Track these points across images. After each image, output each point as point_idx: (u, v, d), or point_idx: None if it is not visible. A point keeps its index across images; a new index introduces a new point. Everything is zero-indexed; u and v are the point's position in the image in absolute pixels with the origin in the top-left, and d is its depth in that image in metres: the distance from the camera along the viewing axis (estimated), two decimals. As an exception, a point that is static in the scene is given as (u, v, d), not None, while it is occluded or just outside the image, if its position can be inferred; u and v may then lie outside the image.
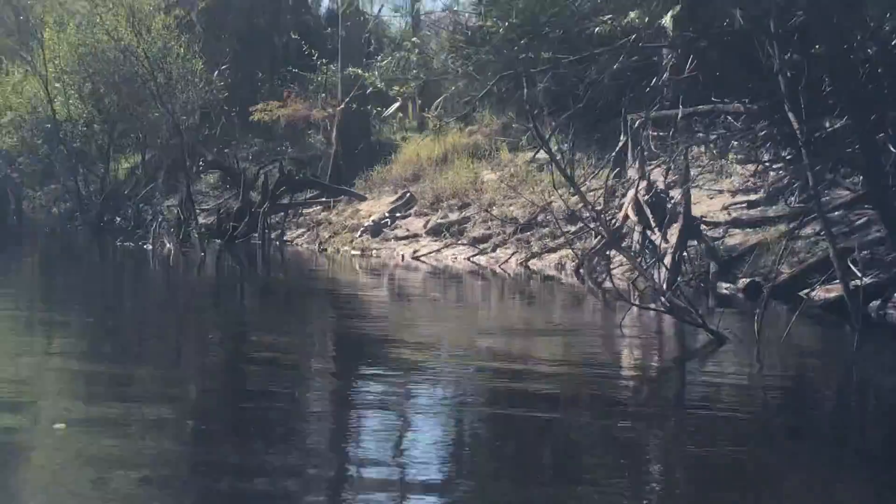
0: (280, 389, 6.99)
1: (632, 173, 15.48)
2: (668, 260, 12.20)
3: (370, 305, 12.19)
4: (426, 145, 23.17)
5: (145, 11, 23.26)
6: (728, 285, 12.12)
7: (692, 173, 16.29)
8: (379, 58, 25.26)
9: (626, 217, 14.28)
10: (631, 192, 14.77)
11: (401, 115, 25.61)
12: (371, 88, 25.87)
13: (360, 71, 21.23)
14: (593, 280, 11.48)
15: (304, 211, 23.92)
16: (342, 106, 23.89)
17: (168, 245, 18.88)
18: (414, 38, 21.14)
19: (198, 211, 27.58)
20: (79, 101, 28.18)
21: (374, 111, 25.88)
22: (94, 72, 26.87)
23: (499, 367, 7.81)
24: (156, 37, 22.84)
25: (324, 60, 30.53)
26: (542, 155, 19.61)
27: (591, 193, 16.77)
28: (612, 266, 12.79)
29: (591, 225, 13.61)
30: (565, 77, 16.34)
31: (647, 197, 14.66)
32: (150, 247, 19.00)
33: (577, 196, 16.59)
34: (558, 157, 18.60)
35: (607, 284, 13.04)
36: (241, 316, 11.62)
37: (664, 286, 9.48)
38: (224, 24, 35.59)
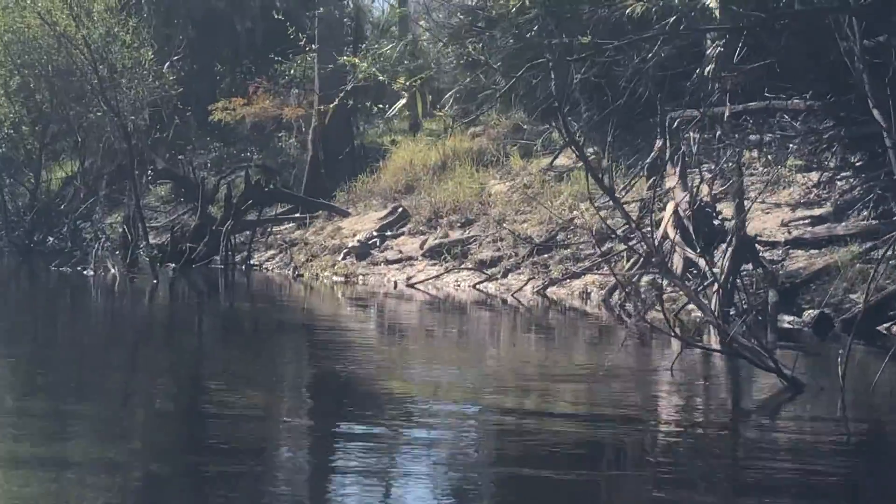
0: (239, 446, 6.77)
1: (671, 183, 15.31)
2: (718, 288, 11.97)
3: (353, 343, 11.95)
4: (421, 151, 23.01)
5: (84, -9, 23.11)
6: (791, 318, 11.92)
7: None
8: (373, 44, 25.06)
9: (665, 236, 14.08)
10: (670, 206, 14.58)
11: (407, 113, 25.40)
12: (363, 81, 25.92)
13: (355, 59, 21.08)
14: (637, 312, 11.22)
15: (275, 229, 23.75)
16: (330, 105, 23.53)
17: (112, 270, 18.65)
18: (422, 22, 21.02)
19: (147, 229, 27.46)
20: (3, 99, 27.96)
21: (367, 108, 25.66)
22: (22, 63, 26.72)
23: (511, 421, 7.61)
24: (97, 21, 22.63)
25: (301, 47, 30.52)
26: (560, 161, 19.52)
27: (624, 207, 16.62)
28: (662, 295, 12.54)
29: (631, 245, 13.37)
30: (605, 67, 16.25)
31: (689, 211, 14.49)
32: (92, 272, 18.74)
33: (607, 211, 16.49)
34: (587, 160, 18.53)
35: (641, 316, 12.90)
36: (197, 356, 11.37)
37: (722, 320, 9.24)
38: (176, 7, 35.52)
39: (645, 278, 14.06)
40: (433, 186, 20.66)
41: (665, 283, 13.74)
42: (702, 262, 13.52)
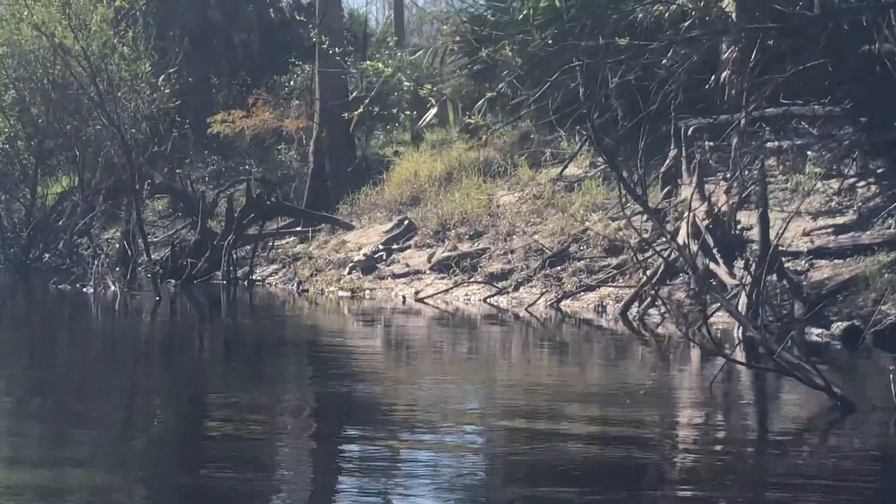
0: (238, 468, 6.47)
1: (687, 193, 14.96)
2: (743, 300, 11.61)
3: (359, 362, 11.54)
4: (425, 162, 22.66)
5: (81, 2, 22.69)
6: (820, 331, 11.54)
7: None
8: (375, 53, 24.61)
9: (685, 247, 13.70)
10: (687, 217, 14.23)
11: (435, 121, 25.05)
12: (364, 92, 25.60)
13: (379, 64, 20.74)
14: (682, 326, 10.77)
15: (276, 243, 23.39)
16: (354, 113, 23.03)
17: (112, 287, 18.24)
18: (445, 26, 20.73)
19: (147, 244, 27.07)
20: (-2, 113, 27.63)
21: (371, 118, 25.31)
22: (17, 77, 26.39)
23: (524, 444, 7.23)
24: (96, 32, 22.25)
25: (294, 60, 30.13)
26: (570, 171, 19.19)
27: (635, 219, 16.26)
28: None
29: (649, 256, 13.01)
30: (639, 71, 15.89)
31: (707, 222, 14.16)
32: (91, 289, 18.34)
33: (621, 221, 16.14)
34: (598, 167, 18.19)
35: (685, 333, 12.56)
36: (200, 378, 10.92)
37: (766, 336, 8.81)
38: (172, 20, 35.20)
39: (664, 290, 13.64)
40: (440, 198, 20.30)
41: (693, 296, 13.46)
42: (723, 274, 13.22)
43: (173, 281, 20.38)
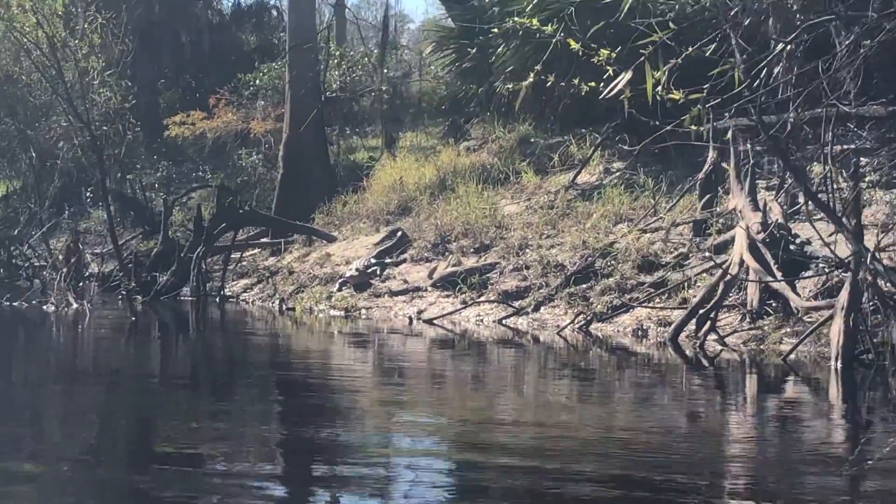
0: None
1: (736, 202, 13.52)
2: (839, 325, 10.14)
3: (341, 394, 9.85)
4: (411, 168, 21.08)
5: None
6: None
7: (800, 202, 14.48)
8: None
9: (743, 263, 12.25)
10: (740, 230, 12.78)
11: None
12: (336, 93, 23.99)
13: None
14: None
15: (242, 256, 21.69)
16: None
17: (75, 304, 16.37)
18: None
19: (90, 257, 25.20)
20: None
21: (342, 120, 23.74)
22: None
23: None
24: (57, 23, 20.22)
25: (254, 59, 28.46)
26: (582, 178, 17.74)
27: (662, 229, 14.82)
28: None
29: (726, 271, 11.49)
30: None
31: (763, 235, 12.71)
32: (53, 307, 16.44)
33: (652, 234, 14.67)
34: (625, 175, 16.66)
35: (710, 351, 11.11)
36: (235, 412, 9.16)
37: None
38: (118, 19, 33.48)
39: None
40: (434, 207, 18.72)
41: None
42: (791, 294, 11.77)
43: (139, 297, 18.59)
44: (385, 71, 24.87)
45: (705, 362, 11.27)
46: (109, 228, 19.59)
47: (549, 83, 17.48)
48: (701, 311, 12.04)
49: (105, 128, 21.89)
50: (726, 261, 12.57)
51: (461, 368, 11.50)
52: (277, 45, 36.80)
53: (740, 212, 13.34)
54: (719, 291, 12.06)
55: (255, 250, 22.46)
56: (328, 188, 23.38)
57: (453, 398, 9.60)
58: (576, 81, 10.42)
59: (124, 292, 17.36)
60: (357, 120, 27.01)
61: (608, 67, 8.84)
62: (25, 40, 19.13)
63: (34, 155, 24.70)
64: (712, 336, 11.96)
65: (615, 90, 9.22)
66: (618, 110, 17.84)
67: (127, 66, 27.61)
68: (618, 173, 17.61)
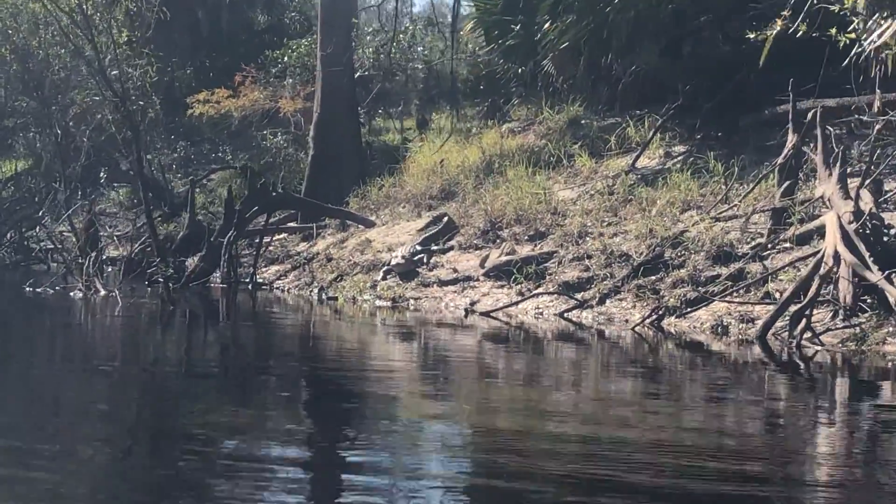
0: None
1: (824, 189, 12.66)
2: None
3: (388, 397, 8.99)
4: (453, 151, 20.22)
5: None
6: None
7: (886, 188, 13.65)
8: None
9: (837, 256, 11.40)
10: (831, 219, 11.92)
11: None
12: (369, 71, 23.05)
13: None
14: None
15: (272, 240, 20.87)
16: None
17: (103, 291, 15.54)
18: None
19: (107, 240, 24.42)
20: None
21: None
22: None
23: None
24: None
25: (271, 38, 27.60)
26: (645, 162, 16.89)
27: (737, 217, 13.98)
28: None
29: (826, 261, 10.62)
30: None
31: (856, 225, 11.85)
32: (80, 294, 15.60)
33: (726, 222, 13.85)
34: (687, 159, 15.81)
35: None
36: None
37: None
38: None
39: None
40: (481, 192, 17.87)
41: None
42: (891, 289, 10.91)
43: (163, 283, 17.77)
44: (421, 49, 24.03)
45: (800, 363, 10.42)
46: (146, 212, 18.71)
47: (603, 61, 16.75)
48: (795, 309, 11.17)
49: (142, 102, 20.95)
50: (819, 252, 11.72)
51: (514, 368, 10.66)
52: (289, 24, 36.00)
53: (829, 200, 12.49)
54: (814, 287, 11.19)
55: (283, 235, 21.63)
56: (360, 171, 22.57)
57: (498, 403, 8.70)
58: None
59: (161, 279, 16.50)
60: (389, 100, 26.16)
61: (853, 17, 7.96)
62: (53, 7, 18.13)
63: (59, 132, 23.72)
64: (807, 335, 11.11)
65: (881, 40, 8.27)
66: (677, 91, 17.08)
67: (148, 41, 26.77)
68: (680, 157, 16.74)
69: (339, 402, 8.61)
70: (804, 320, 11.05)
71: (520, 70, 21.95)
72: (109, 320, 13.96)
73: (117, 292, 15.20)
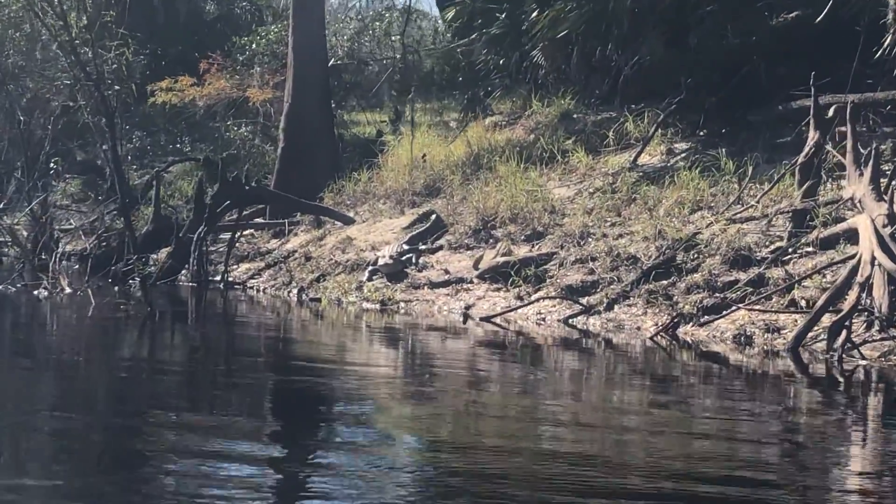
0: None
1: (854, 190, 11.94)
2: None
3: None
4: (435, 145, 19.37)
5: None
6: None
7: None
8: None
9: (874, 261, 10.68)
10: (864, 222, 11.22)
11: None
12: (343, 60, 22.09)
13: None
14: None
15: (239, 237, 19.87)
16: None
17: (68, 289, 14.52)
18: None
19: (59, 233, 23.36)
20: None
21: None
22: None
23: None
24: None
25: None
26: (645, 159, 16.14)
27: (753, 219, 13.26)
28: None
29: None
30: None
31: (890, 229, 11.16)
32: (46, 292, 14.54)
33: (743, 224, 13.15)
34: (691, 157, 15.04)
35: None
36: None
37: None
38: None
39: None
40: (469, 188, 17.02)
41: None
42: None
43: (130, 280, 16.79)
44: (398, 38, 23.10)
45: (846, 378, 9.68)
46: (122, 206, 17.74)
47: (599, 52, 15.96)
48: (835, 319, 10.44)
49: (118, 87, 19.79)
50: (853, 257, 11.01)
51: (508, 378, 9.86)
52: (239, 14, 34.98)
53: (860, 202, 11.77)
54: (854, 295, 10.47)
55: (249, 231, 20.60)
56: (334, 165, 21.61)
57: (484, 418, 7.89)
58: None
59: (138, 277, 15.48)
60: (362, 91, 25.20)
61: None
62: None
63: (21, 118, 22.51)
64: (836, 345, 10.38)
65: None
66: (677, 84, 16.35)
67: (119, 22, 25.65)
68: (682, 154, 16.00)
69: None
70: (844, 332, 10.32)
71: (501, 61, 21.10)
72: (89, 323, 12.90)
73: (89, 292, 14.13)
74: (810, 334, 10.73)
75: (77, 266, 18.66)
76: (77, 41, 17.21)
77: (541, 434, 7.29)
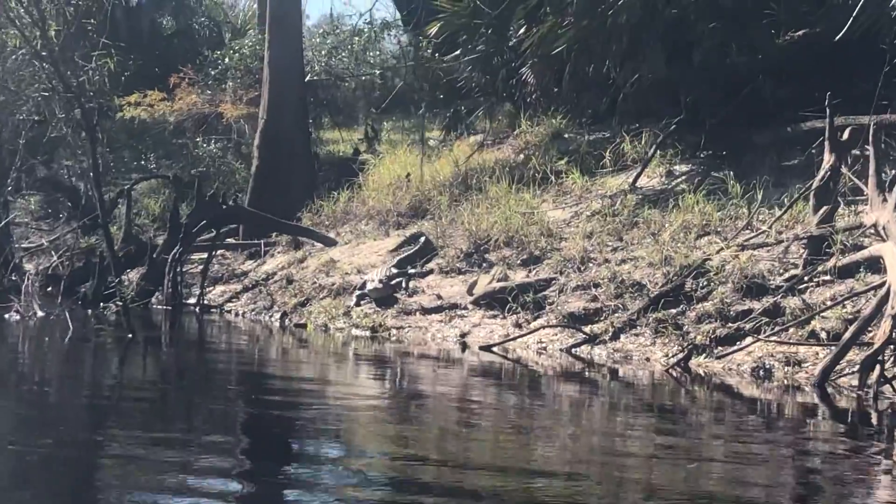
0: None
1: (878, 216, 11.44)
2: None
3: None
4: (418, 164, 18.78)
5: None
6: None
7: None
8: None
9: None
10: (890, 250, 10.74)
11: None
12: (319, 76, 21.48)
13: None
14: None
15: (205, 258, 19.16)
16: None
17: (40, 312, 13.76)
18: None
19: (21, 253, 22.58)
20: None
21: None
22: None
23: None
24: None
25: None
26: (646, 182, 15.63)
27: (766, 245, 12.75)
28: None
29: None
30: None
31: (916, 257, 10.67)
32: (17, 316, 13.77)
33: (754, 250, 12.63)
34: (692, 179, 14.49)
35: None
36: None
37: None
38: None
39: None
40: (459, 210, 16.41)
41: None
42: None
43: (102, 305, 16.03)
44: (377, 53, 22.52)
45: (874, 417, 9.13)
46: (103, 224, 17.00)
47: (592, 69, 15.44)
48: (867, 354, 9.91)
49: (101, 100, 18.98)
50: (881, 286, 10.49)
51: (501, 411, 9.21)
52: (197, 29, 34.28)
53: (884, 229, 11.27)
54: (887, 327, 9.93)
55: (220, 252, 19.88)
56: (311, 184, 20.95)
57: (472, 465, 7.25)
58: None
59: (120, 302, 14.70)
60: (338, 108, 24.56)
61: None
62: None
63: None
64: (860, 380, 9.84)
65: None
66: (676, 103, 15.87)
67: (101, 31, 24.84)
68: (683, 177, 15.48)
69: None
70: (878, 367, 9.78)
71: (485, 79, 20.52)
72: (80, 352, 12.12)
73: (67, 315, 13.35)
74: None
75: (43, 287, 17.81)
76: (56, 50, 16.36)
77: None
